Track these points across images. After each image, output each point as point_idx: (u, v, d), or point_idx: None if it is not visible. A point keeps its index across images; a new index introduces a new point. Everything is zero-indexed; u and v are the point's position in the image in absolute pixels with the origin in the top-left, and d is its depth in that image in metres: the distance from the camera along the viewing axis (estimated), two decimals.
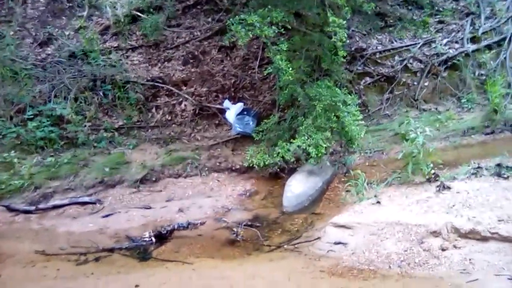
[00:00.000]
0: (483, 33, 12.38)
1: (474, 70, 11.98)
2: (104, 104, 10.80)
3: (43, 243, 7.60)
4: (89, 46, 11.42)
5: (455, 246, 6.19)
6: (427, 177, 8.04)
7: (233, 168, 10.18)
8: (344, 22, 8.70)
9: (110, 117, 10.75)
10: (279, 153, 9.08)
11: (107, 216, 8.63)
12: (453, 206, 6.92)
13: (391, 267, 6.08)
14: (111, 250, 7.37)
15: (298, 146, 8.92)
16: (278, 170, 9.73)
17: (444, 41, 12.26)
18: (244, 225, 7.88)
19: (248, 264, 6.89)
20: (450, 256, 6.01)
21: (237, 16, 8.79)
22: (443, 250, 6.17)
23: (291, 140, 9.09)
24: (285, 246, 7.25)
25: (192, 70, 11.58)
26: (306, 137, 8.93)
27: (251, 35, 8.67)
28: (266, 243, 7.46)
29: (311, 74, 9.98)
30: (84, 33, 11.68)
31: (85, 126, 10.31)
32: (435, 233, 6.43)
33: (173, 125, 10.99)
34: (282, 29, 8.95)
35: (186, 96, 11.22)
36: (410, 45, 12.16)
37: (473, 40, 12.32)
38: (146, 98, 11.12)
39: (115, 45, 11.87)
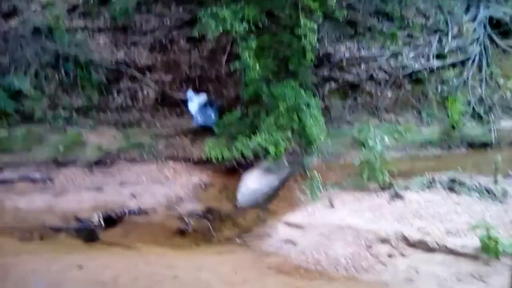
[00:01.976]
0: (449, 51, 12.60)
1: (437, 86, 12.16)
2: (65, 83, 10.60)
3: None
4: (55, 23, 11.15)
5: (402, 254, 6.26)
6: (381, 184, 8.13)
7: (190, 158, 10.06)
8: (315, 25, 8.74)
9: (69, 96, 10.56)
10: (238, 148, 9.04)
11: (57, 195, 8.50)
12: (404, 215, 7.01)
13: (338, 269, 6.11)
14: (58, 229, 7.25)
15: (258, 143, 8.90)
16: (236, 164, 9.65)
17: (411, 54, 12.39)
18: (196, 216, 7.82)
19: (196, 255, 6.85)
20: (397, 264, 6.08)
21: (209, 9, 8.75)
22: (390, 257, 6.24)
23: (252, 136, 9.07)
24: (235, 240, 7.23)
25: (158, 57, 11.43)
26: (267, 135, 8.92)
27: (221, 29, 8.64)
28: (216, 236, 7.42)
29: (278, 74, 9.95)
30: (51, 10, 11.43)
31: (43, 102, 10.09)
32: (384, 240, 6.49)
33: (134, 110, 10.85)
34: (253, 26, 8.93)
35: (150, 82, 11.08)
36: (377, 55, 12.27)
37: (439, 56, 12.51)
38: (108, 80, 10.96)
39: (81, 25, 11.61)
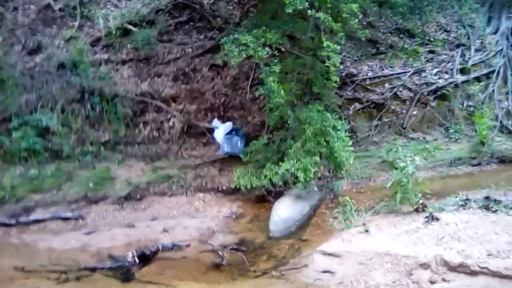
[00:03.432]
0: (472, 65, 12.55)
1: (463, 101, 12.11)
2: (91, 117, 10.58)
3: (23, 259, 7.40)
4: (79, 57, 11.21)
5: (444, 280, 6.12)
6: (415, 207, 8.00)
7: (220, 189, 10.03)
8: (338, 47, 8.68)
9: (96, 130, 10.54)
10: (266, 175, 8.97)
11: (89, 233, 8.47)
12: (442, 238, 6.87)
13: None
14: (93, 269, 7.19)
15: (287, 170, 8.83)
16: (265, 193, 9.61)
17: (434, 71, 12.38)
18: (230, 249, 7.75)
19: None
20: None
21: (230, 35, 8.75)
22: (432, 283, 6.10)
23: (280, 162, 8.99)
24: (272, 273, 7.14)
25: (182, 87, 11.46)
26: (295, 161, 8.83)
27: (244, 55, 8.63)
28: (252, 269, 7.32)
29: (302, 97, 9.93)
30: (75, 44, 11.53)
31: (70, 138, 10.11)
32: (424, 265, 6.36)
33: (160, 142, 10.83)
34: (275, 51, 8.91)
35: (175, 113, 11.09)
36: (401, 73, 12.24)
37: (463, 71, 12.48)
38: (134, 113, 10.95)
39: (105, 58, 11.69)
